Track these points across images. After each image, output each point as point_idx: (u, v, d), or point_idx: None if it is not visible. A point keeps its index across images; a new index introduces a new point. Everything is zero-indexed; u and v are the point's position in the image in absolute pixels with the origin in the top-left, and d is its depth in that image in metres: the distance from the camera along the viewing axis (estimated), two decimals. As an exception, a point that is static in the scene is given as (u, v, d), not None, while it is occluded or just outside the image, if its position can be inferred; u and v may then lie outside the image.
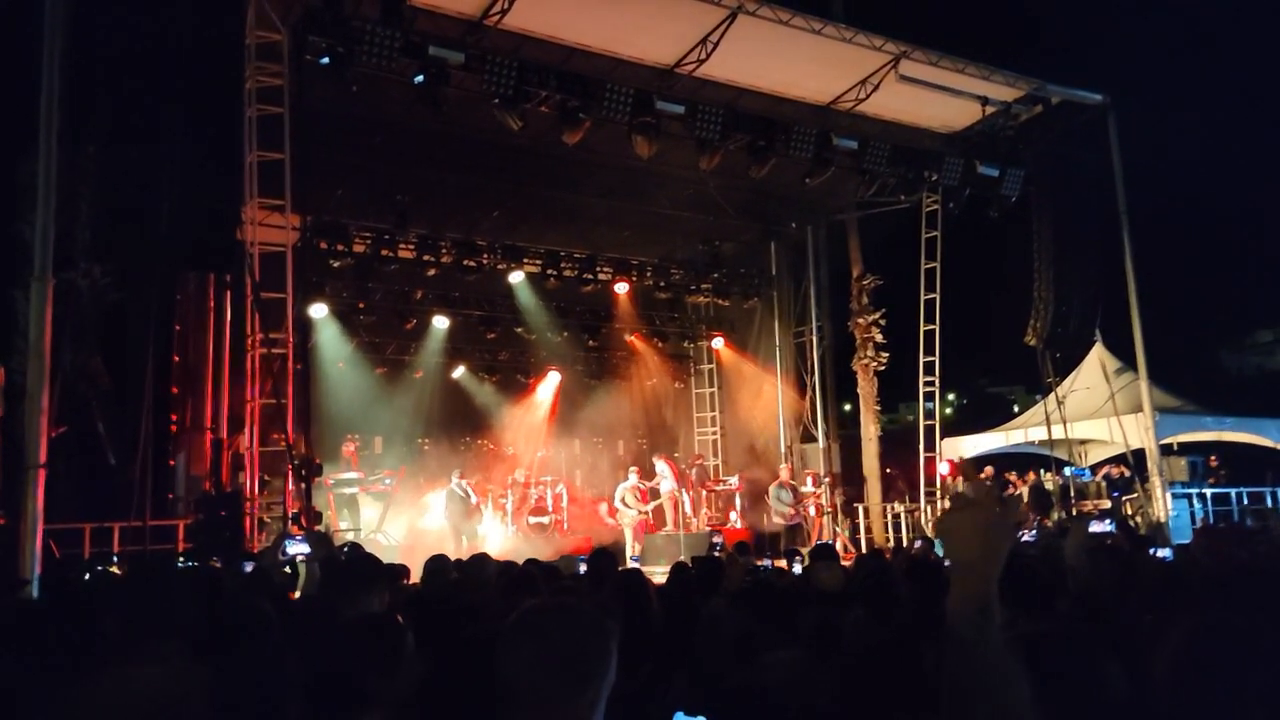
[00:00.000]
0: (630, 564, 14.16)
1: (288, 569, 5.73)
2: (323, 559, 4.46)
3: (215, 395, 14.45)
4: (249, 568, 5.72)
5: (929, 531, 17.40)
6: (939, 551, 8.75)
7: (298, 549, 5.49)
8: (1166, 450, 16.81)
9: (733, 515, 18.44)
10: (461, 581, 5.02)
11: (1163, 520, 15.57)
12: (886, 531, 18.71)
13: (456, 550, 11.41)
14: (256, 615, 2.88)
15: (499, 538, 15.76)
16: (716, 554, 8.29)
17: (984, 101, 16.07)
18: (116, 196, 12.33)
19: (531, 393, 19.26)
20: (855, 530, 18.54)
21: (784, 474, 16.74)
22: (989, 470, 17.62)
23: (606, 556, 5.45)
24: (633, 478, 16.00)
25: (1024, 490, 17.50)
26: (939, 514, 15.97)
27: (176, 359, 14.65)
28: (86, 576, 8.06)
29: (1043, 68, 16.37)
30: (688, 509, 17.23)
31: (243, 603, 3.17)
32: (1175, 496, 16.47)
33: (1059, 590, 3.43)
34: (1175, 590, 3.78)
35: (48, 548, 8.46)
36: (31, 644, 3.07)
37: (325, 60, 11.24)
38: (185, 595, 2.63)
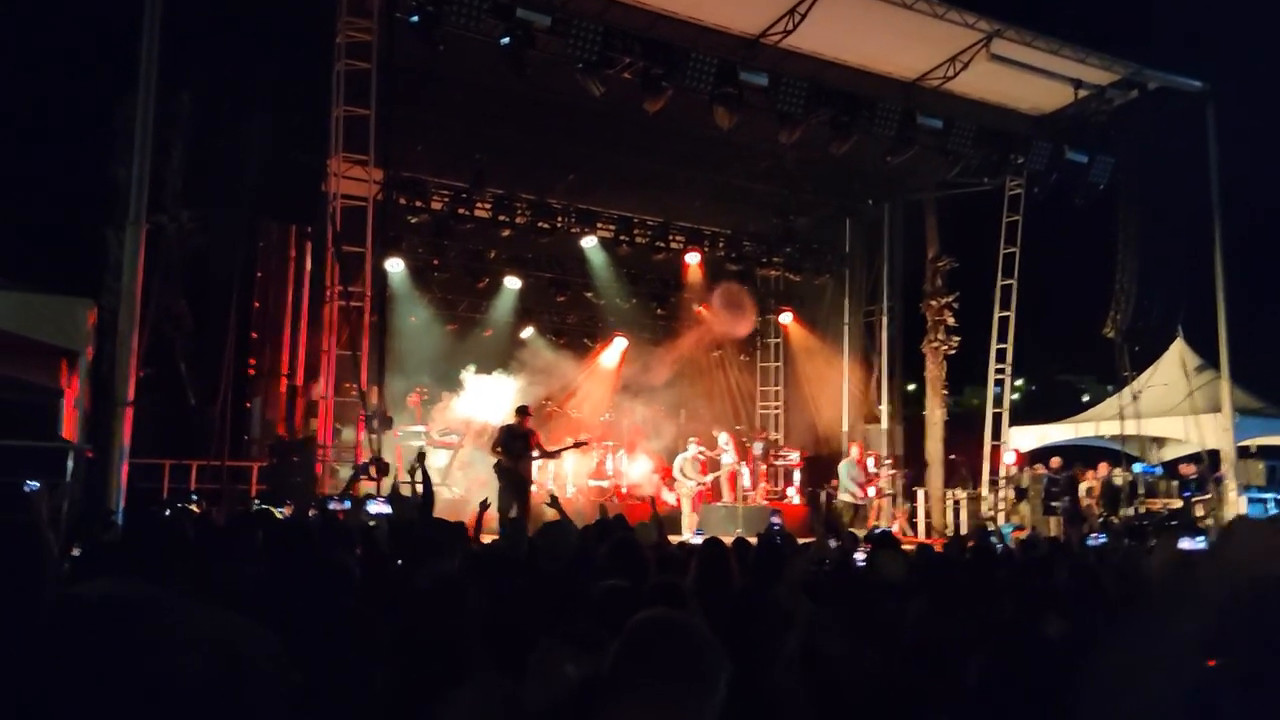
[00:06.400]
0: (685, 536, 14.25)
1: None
2: (400, 521, 4.60)
3: (292, 343, 14.82)
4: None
5: (988, 522, 17.18)
6: (994, 542, 8.67)
7: (380, 510, 5.69)
8: (1244, 453, 16.34)
9: (790, 490, 18.42)
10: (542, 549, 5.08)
11: (1234, 525, 15.16)
12: (945, 518, 18.50)
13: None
14: (339, 569, 2.99)
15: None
16: (778, 537, 8.30)
17: (1077, 84, 15.60)
18: (207, 144, 12.64)
19: (597, 357, 19.37)
20: (913, 514, 18.37)
21: (855, 453, 16.63)
22: (1056, 461, 17.26)
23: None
24: (692, 448, 16.00)
25: (1094, 484, 17.13)
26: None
27: (257, 305, 15.05)
28: (167, 512, 8.40)
29: (1141, 52, 15.85)
30: (746, 482, 17.25)
31: (326, 555, 3.29)
32: (1250, 501, 16.01)
33: (1130, 602, 3.40)
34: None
35: (132, 483, 8.82)
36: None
37: (415, 19, 11.35)
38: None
